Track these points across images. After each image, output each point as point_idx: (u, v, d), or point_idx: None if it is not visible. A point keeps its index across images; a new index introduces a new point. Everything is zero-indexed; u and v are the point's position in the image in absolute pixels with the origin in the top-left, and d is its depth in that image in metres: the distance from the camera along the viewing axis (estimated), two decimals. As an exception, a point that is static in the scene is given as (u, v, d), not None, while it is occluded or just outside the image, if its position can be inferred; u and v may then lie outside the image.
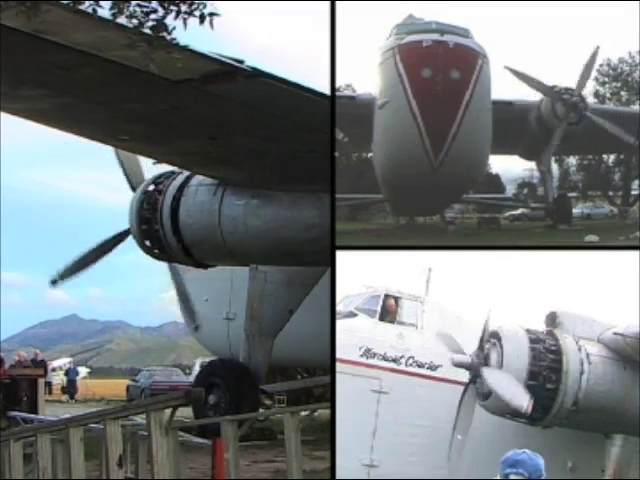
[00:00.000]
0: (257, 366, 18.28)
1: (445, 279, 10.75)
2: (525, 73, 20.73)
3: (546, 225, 23.33)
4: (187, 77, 10.21)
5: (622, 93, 30.65)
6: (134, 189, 18.52)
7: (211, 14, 6.01)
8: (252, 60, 10.73)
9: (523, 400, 8.95)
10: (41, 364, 26.45)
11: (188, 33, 6.25)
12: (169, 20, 6.09)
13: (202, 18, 5.99)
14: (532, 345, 9.48)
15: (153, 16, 6.09)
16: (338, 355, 10.14)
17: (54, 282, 20.57)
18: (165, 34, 6.18)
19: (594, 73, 28.18)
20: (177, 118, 12.20)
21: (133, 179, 19.13)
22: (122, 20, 6.31)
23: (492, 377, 9.31)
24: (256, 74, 10.74)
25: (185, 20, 6.00)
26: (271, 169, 15.09)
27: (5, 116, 12.14)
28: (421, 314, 10.57)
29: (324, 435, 12.37)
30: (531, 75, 20.93)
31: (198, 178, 16.80)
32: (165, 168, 17.55)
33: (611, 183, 30.06)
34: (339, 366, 10.14)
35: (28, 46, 9.16)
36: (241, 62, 10.50)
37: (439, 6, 19.09)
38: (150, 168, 17.91)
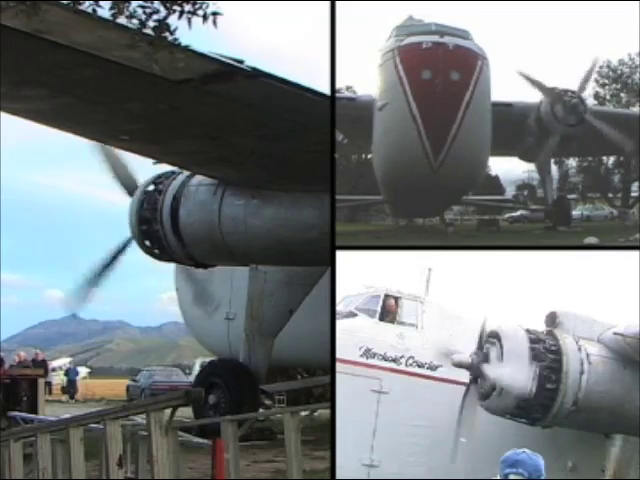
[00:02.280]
0: (257, 366, 18.28)
1: (445, 279, 10.75)
2: (527, 74, 20.73)
3: (546, 227, 23.29)
4: (187, 77, 10.21)
5: (622, 95, 30.63)
6: (129, 193, 18.47)
7: (214, 13, 6.01)
8: (252, 60, 10.76)
9: (527, 381, 8.96)
10: (41, 364, 26.44)
11: (187, 33, 6.26)
12: (172, 20, 6.10)
13: (205, 17, 5.99)
14: (532, 345, 9.47)
15: (155, 16, 6.08)
16: (338, 355, 10.12)
17: (74, 314, 20.56)
18: (167, 34, 6.17)
19: (594, 75, 28.20)
20: (177, 118, 12.20)
21: (126, 184, 19.06)
22: (122, 20, 6.31)
23: (494, 372, 9.32)
24: (256, 74, 10.75)
25: (189, 20, 5.99)
26: (271, 169, 15.09)
27: (5, 116, 12.16)
28: (421, 314, 10.56)
29: (324, 435, 12.33)
30: (533, 76, 20.94)
31: (198, 178, 16.81)
32: (165, 168, 17.57)
33: (611, 185, 30.01)
34: (339, 366, 10.12)
35: (28, 46, 9.16)
36: (241, 62, 10.51)
37: (439, 7, 19.10)
38: (150, 168, 17.92)
